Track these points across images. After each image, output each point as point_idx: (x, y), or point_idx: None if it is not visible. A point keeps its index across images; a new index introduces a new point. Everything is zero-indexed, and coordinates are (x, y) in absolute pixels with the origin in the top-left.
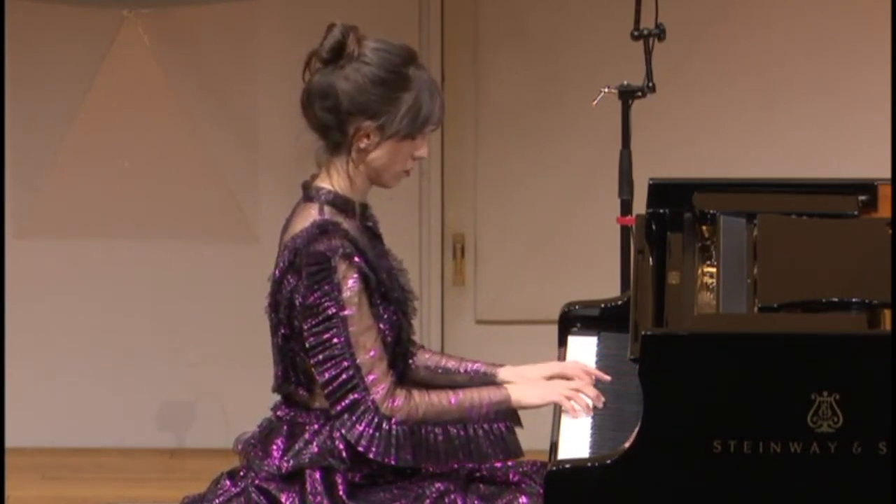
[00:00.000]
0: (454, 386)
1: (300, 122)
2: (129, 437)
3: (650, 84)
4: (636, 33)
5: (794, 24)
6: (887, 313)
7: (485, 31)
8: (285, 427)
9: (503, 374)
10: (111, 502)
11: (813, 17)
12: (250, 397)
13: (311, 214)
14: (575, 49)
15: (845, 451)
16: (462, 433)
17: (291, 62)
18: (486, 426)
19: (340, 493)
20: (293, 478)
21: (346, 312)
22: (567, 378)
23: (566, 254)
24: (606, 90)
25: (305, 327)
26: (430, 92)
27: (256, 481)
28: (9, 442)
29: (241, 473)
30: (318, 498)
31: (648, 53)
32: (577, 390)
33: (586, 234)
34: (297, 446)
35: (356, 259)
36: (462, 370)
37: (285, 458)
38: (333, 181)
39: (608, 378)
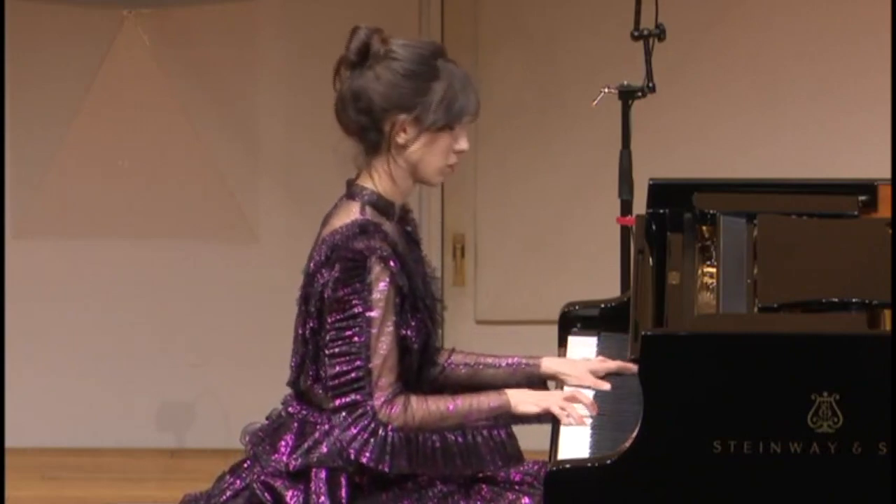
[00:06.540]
0: (496, 381)
1: (302, 122)
2: (129, 437)
3: (650, 84)
4: (636, 33)
5: (794, 25)
6: (887, 313)
7: (485, 31)
8: (296, 424)
9: (546, 363)
10: (111, 502)
11: (813, 18)
12: (250, 397)
13: (353, 212)
14: (575, 49)
15: (845, 452)
16: (461, 440)
17: (291, 62)
18: (485, 432)
19: (343, 494)
20: (299, 476)
21: (371, 314)
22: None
23: (566, 254)
24: (606, 90)
25: (329, 320)
26: (462, 83)
27: (262, 477)
28: (9, 442)
29: (246, 465)
30: (322, 498)
31: (648, 53)
32: (573, 398)
33: (586, 234)
34: (306, 445)
35: (392, 263)
36: (503, 364)
37: (294, 457)
38: (375, 182)
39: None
